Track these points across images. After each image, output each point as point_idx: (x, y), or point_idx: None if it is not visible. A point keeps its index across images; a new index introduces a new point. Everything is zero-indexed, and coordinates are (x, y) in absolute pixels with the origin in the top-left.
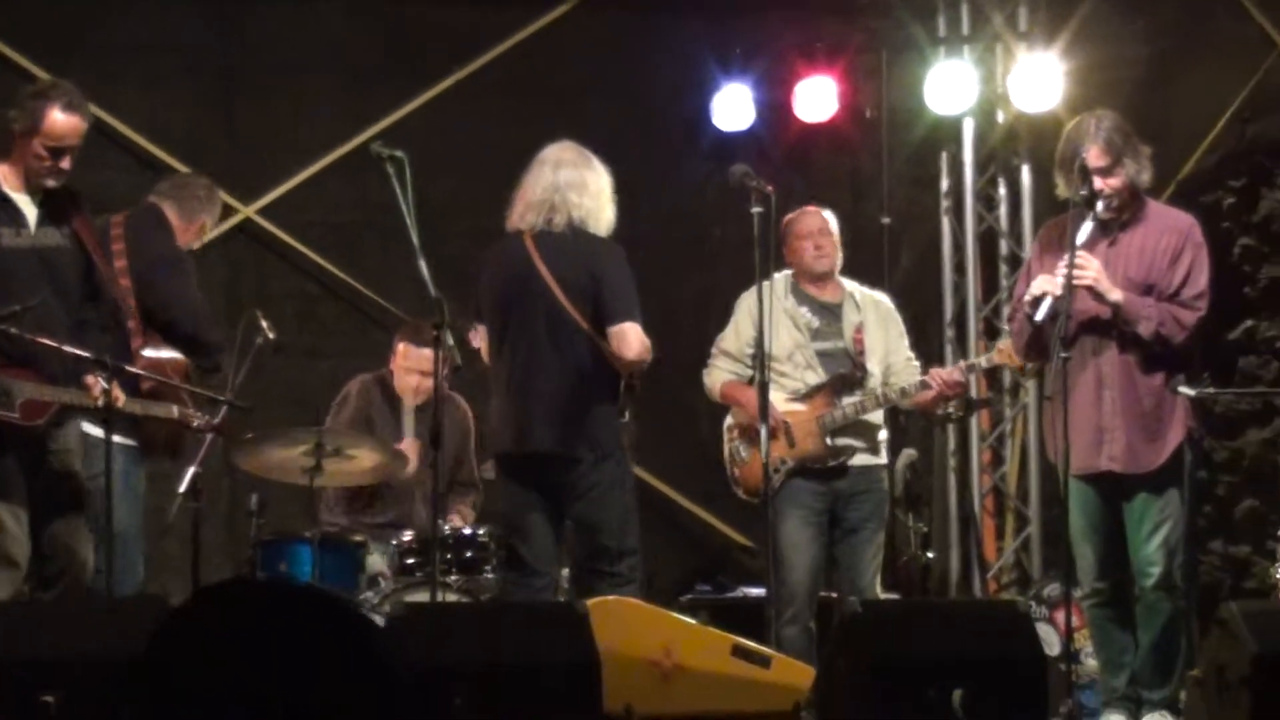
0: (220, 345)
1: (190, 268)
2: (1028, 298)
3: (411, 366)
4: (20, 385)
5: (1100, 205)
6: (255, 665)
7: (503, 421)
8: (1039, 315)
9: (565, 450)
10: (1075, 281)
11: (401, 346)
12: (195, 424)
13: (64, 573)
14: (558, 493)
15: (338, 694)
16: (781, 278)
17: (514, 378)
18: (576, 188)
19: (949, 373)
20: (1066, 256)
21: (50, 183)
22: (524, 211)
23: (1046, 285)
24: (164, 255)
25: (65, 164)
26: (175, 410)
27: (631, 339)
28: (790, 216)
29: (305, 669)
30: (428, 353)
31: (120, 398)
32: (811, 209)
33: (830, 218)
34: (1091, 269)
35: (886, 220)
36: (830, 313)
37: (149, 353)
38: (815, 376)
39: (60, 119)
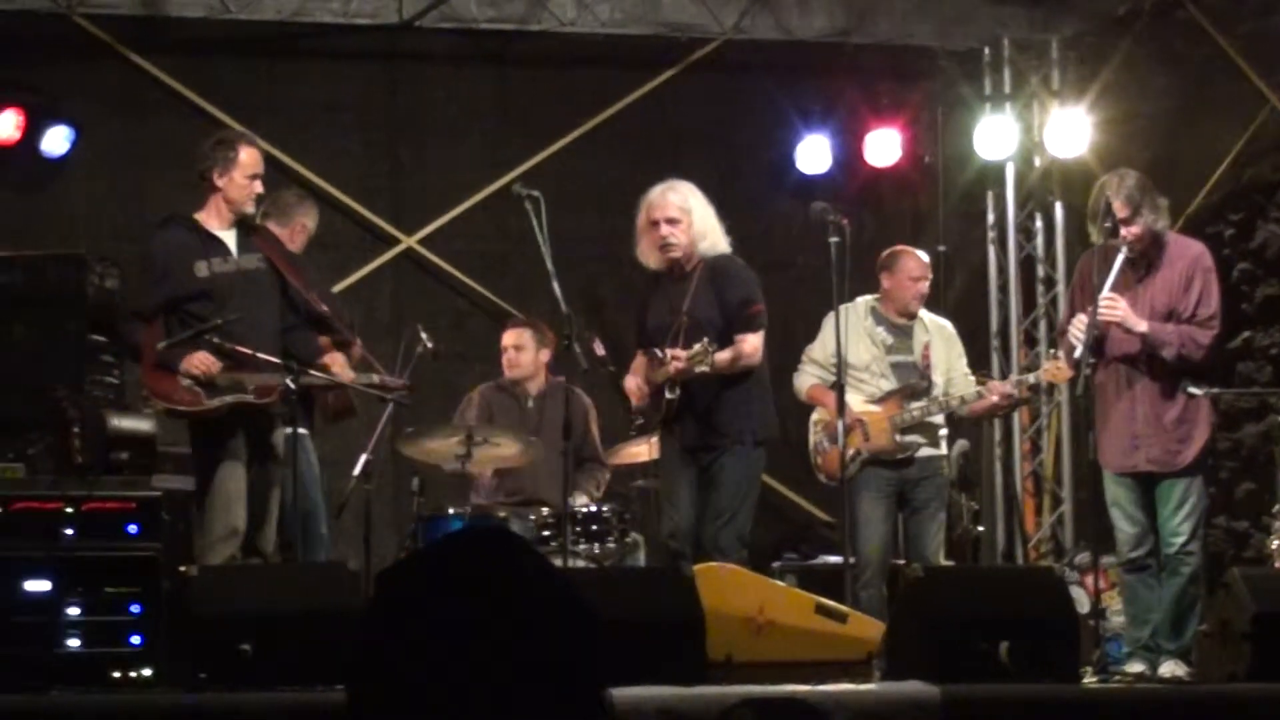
0: (348, 322)
1: (307, 265)
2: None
3: (507, 344)
4: (246, 378)
5: (1125, 249)
6: (485, 605)
7: None
8: (1076, 353)
9: None
10: (1105, 319)
11: (504, 334)
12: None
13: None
14: None
15: (549, 641)
16: (863, 302)
17: None
18: None
19: (1003, 385)
20: (1099, 296)
21: (249, 209)
22: None
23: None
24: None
25: (260, 187)
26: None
27: None
28: (899, 252)
29: (526, 618)
30: (518, 331)
31: (350, 375)
32: (919, 252)
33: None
34: (1119, 307)
35: (942, 249)
36: (903, 332)
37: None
38: (889, 384)
39: (251, 151)
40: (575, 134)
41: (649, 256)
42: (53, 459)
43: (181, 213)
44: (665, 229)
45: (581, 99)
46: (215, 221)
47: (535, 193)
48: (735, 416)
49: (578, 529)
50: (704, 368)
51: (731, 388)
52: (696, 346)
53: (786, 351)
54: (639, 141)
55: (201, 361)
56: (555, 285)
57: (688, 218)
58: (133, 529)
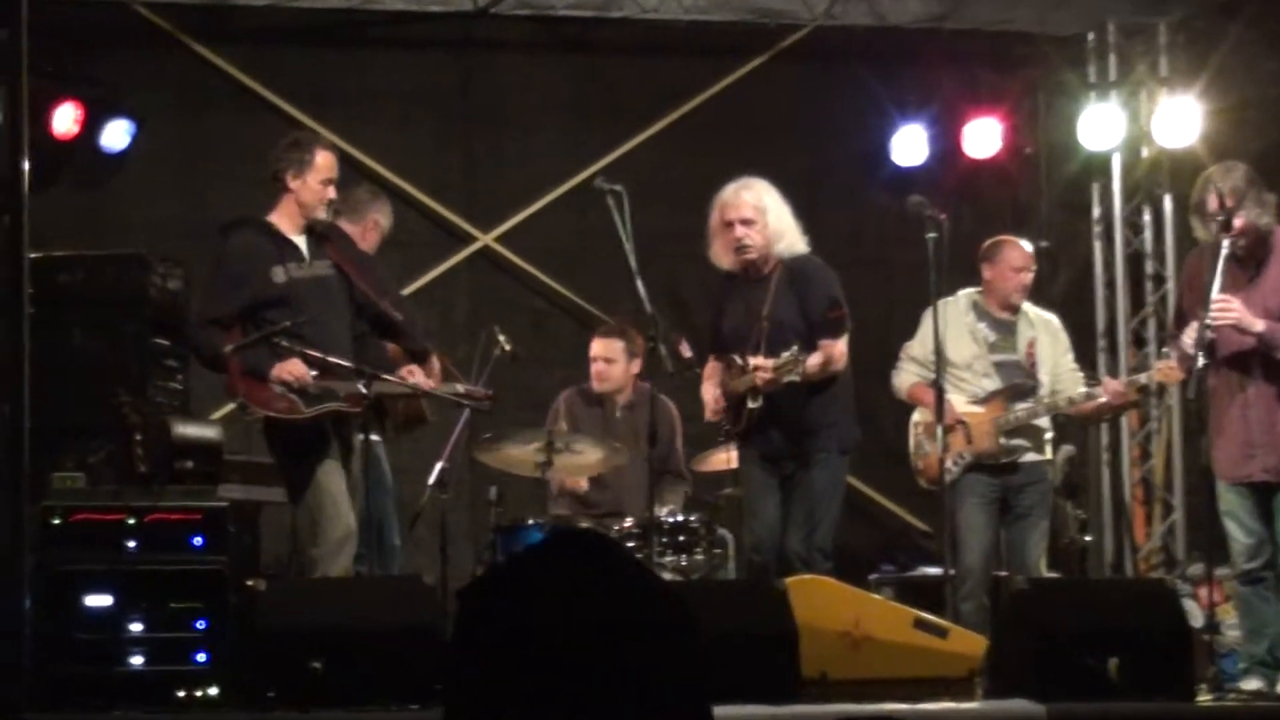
0: (422, 329)
1: (377, 264)
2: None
3: (598, 354)
4: (336, 385)
5: (1227, 243)
6: (580, 607)
7: None
8: (1191, 351)
9: None
10: (1219, 322)
11: (594, 342)
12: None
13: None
14: None
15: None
16: (964, 296)
17: None
18: None
19: (1117, 383)
20: (1208, 297)
21: (321, 214)
22: None
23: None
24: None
25: (333, 193)
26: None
27: None
28: (1001, 242)
29: (620, 622)
30: (609, 341)
31: (431, 383)
32: (1023, 242)
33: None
34: (1233, 308)
35: (1045, 244)
36: (1006, 328)
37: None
38: (992, 383)
39: (326, 155)
40: (658, 126)
41: (723, 258)
42: (114, 468)
43: (253, 215)
44: (740, 230)
45: (665, 89)
46: (287, 225)
47: (618, 187)
48: (822, 425)
49: (664, 540)
50: (794, 378)
51: (817, 395)
52: (785, 355)
53: (881, 351)
54: (725, 133)
55: (294, 369)
56: (639, 284)
57: (763, 217)
58: (198, 541)
